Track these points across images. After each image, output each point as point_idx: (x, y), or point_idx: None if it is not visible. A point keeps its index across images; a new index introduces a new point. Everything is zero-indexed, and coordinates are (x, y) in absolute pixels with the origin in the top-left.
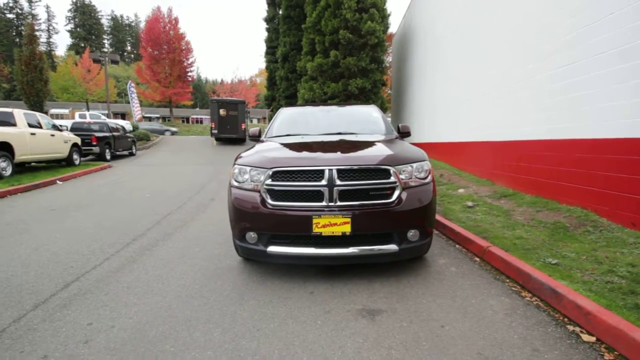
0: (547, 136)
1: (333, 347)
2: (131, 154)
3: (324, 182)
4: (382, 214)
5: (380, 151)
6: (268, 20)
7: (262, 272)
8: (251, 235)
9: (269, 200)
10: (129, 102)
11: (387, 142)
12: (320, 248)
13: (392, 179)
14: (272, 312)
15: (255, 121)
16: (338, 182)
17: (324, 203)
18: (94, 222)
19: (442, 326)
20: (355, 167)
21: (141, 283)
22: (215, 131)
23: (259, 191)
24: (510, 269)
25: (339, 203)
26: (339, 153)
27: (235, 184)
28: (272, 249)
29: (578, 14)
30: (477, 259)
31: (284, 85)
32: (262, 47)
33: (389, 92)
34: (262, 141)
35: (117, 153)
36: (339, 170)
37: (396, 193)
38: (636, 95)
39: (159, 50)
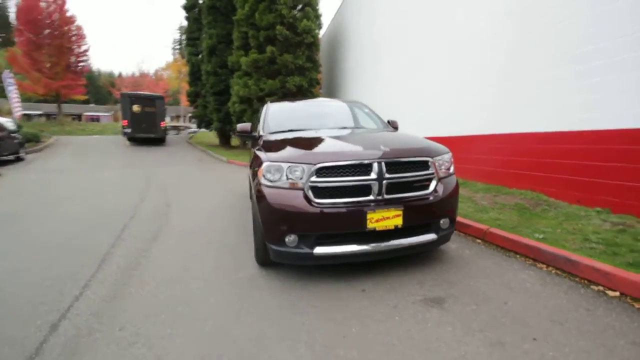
0: (492, 131)
1: (431, 339)
2: (19, 159)
3: (373, 175)
4: (426, 204)
5: (415, 143)
6: (188, 8)
7: (293, 278)
8: (290, 238)
9: (314, 199)
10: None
11: (404, 135)
12: (370, 243)
13: (431, 170)
14: (342, 316)
15: (167, 119)
16: (387, 175)
17: (371, 197)
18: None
19: (505, 303)
20: (403, 160)
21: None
22: (129, 130)
23: (302, 189)
24: (518, 245)
25: (386, 196)
26: (381, 146)
27: (268, 183)
28: (320, 250)
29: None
30: (479, 240)
31: (212, 80)
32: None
33: (320, 91)
34: (262, 137)
35: (2, 158)
36: (386, 163)
37: (433, 184)
38: (557, 99)
39: (40, 34)
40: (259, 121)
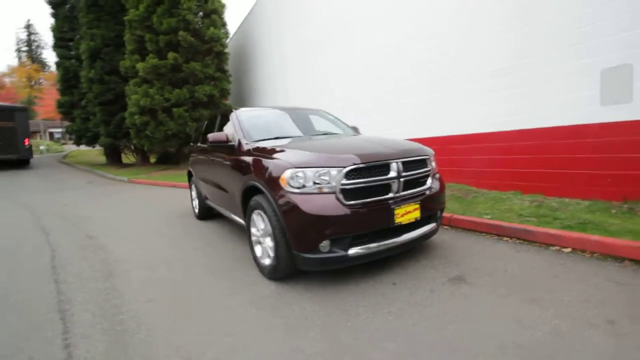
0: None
1: (482, 308)
2: None
3: (393, 174)
4: (430, 197)
5: (410, 144)
6: (55, 4)
7: (318, 286)
8: (324, 243)
9: (345, 201)
10: None
11: (388, 137)
12: (394, 238)
13: (429, 167)
14: (396, 308)
15: None
16: (403, 173)
17: (391, 195)
18: None
19: (505, 270)
20: (412, 159)
21: None
22: None
23: (333, 192)
24: (480, 225)
25: (402, 193)
26: (392, 147)
27: (295, 190)
28: (354, 250)
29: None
30: (447, 226)
31: (98, 88)
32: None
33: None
34: (246, 146)
35: None
36: (402, 163)
37: (430, 179)
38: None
39: None
40: (217, 130)
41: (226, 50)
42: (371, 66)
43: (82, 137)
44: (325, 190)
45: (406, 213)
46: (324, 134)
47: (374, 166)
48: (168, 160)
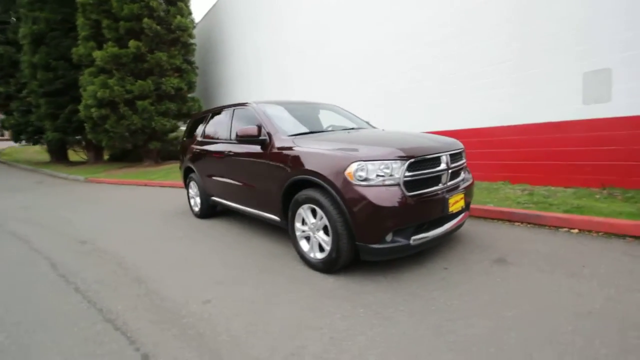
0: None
1: (539, 284)
2: None
3: (444, 165)
4: (469, 187)
5: (451, 139)
6: None
7: (370, 279)
8: (389, 234)
9: (407, 192)
10: None
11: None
12: (444, 225)
13: (464, 159)
14: (465, 288)
15: None
16: (451, 164)
17: (441, 185)
18: None
19: (537, 251)
20: (455, 152)
21: None
22: None
23: (397, 184)
24: (493, 213)
25: (449, 183)
26: (440, 142)
27: (362, 183)
28: (415, 238)
29: None
30: None
31: (44, 76)
32: None
33: (195, 97)
34: (283, 140)
35: None
36: (450, 155)
37: (465, 171)
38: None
39: None
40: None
41: (193, 40)
42: (356, 67)
43: (21, 132)
44: (389, 182)
45: (455, 202)
46: (351, 128)
47: (429, 159)
48: (125, 157)
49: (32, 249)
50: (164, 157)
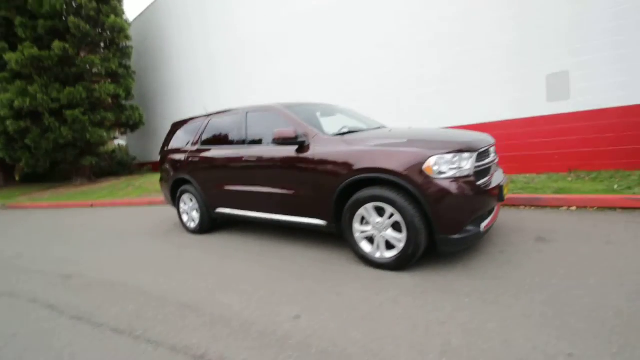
0: None
1: (587, 257)
2: None
3: (492, 157)
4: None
5: (484, 133)
6: None
7: (431, 267)
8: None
9: (477, 182)
10: None
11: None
12: (492, 212)
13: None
14: (539, 269)
15: None
16: (494, 156)
17: (489, 176)
18: None
19: (607, 242)
20: (492, 146)
21: None
22: None
23: (471, 175)
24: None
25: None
26: (482, 136)
27: (441, 176)
28: (483, 225)
29: None
30: None
31: None
32: None
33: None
34: (324, 140)
35: None
36: (493, 148)
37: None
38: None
39: None
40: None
41: (130, 43)
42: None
43: None
44: (464, 174)
45: (507, 190)
46: (378, 127)
47: (483, 151)
48: (43, 177)
49: (16, 292)
50: (97, 173)
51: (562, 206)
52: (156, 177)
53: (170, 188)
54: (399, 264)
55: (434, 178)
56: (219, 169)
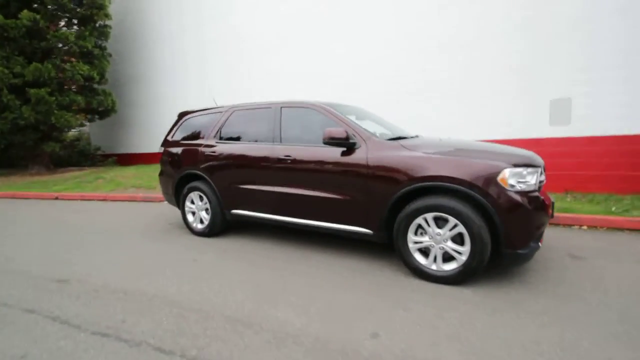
0: None
1: (614, 273)
2: None
3: (543, 175)
4: None
5: None
6: None
7: (494, 282)
8: None
9: (540, 197)
10: None
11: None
12: None
13: None
14: (586, 282)
15: None
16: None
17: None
18: None
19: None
20: None
21: None
22: None
23: (536, 190)
24: None
25: None
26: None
27: (515, 189)
28: (540, 241)
29: None
30: None
31: None
32: None
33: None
34: (381, 145)
35: None
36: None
37: None
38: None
39: None
40: (277, 125)
41: (109, 22)
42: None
43: None
44: (531, 188)
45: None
46: (415, 136)
47: (543, 168)
48: None
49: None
50: (56, 162)
51: (574, 225)
52: (128, 170)
53: (174, 184)
54: (460, 278)
55: (507, 190)
56: (244, 166)
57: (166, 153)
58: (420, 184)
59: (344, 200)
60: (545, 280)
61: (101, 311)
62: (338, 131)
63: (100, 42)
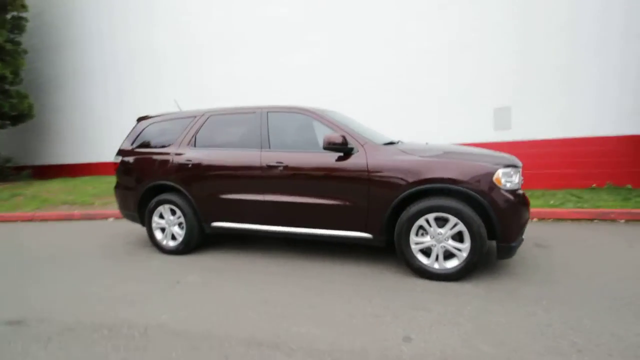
0: None
1: (598, 261)
2: None
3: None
4: None
5: None
6: None
7: (491, 277)
8: None
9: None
10: None
11: None
12: None
13: None
14: (554, 268)
15: None
16: None
17: None
18: None
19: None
20: None
21: None
22: None
23: (520, 188)
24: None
25: None
26: None
27: (507, 188)
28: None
29: None
30: None
31: None
32: None
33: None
34: (380, 150)
35: None
36: None
37: None
38: None
39: None
40: (265, 131)
41: (25, 14)
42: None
43: None
44: (516, 187)
45: None
46: (398, 142)
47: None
48: None
49: None
50: None
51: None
52: (52, 184)
53: (137, 198)
54: (461, 274)
55: (502, 189)
56: (226, 175)
57: (124, 163)
58: (422, 187)
59: (343, 206)
60: (526, 269)
61: (89, 354)
62: (336, 136)
63: (14, 36)
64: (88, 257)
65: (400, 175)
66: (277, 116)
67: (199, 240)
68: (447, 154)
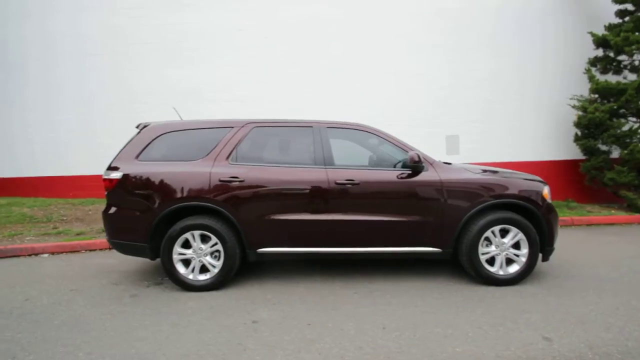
0: None
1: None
2: None
3: None
4: None
5: None
6: None
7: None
8: None
9: None
10: None
11: None
12: None
13: None
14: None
15: None
16: None
17: None
18: None
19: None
20: None
21: None
22: None
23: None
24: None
25: None
26: None
27: (548, 200)
28: None
29: None
30: None
31: None
32: None
33: None
34: (442, 168)
35: None
36: None
37: None
38: None
39: None
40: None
41: None
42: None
43: None
44: (549, 200)
45: None
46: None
47: None
48: None
49: None
50: None
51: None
52: None
53: (154, 223)
54: (521, 277)
55: (547, 202)
56: (285, 194)
57: (129, 180)
58: (493, 201)
59: (415, 222)
60: (543, 267)
61: None
62: (414, 155)
63: None
64: (82, 304)
65: (473, 192)
66: (337, 132)
67: (233, 271)
68: (496, 173)
